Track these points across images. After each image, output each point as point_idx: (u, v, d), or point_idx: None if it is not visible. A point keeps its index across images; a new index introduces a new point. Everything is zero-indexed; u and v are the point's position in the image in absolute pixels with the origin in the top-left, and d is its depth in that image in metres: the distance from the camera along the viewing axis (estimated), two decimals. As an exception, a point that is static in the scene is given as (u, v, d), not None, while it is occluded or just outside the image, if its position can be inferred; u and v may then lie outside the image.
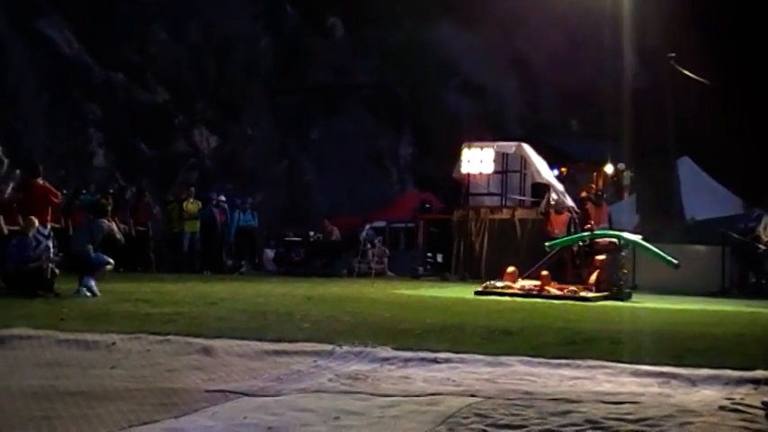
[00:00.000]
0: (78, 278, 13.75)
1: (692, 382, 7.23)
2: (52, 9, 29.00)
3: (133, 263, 21.87)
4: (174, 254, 24.21)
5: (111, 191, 23.82)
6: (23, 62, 27.08)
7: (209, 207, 24.07)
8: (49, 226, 14.47)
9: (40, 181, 15.17)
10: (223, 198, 24.90)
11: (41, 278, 13.35)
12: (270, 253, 26.13)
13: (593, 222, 18.94)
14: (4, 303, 11.82)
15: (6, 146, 16.83)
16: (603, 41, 23.66)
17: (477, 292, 16.33)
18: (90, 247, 14.00)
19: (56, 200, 15.43)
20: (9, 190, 14.78)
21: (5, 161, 14.32)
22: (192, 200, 24.02)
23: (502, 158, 23.49)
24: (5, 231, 14.83)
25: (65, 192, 21.33)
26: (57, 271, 13.64)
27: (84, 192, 22.26)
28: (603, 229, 18.41)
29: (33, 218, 14.10)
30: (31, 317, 10.05)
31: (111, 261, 14.42)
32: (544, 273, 16.77)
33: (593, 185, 26.66)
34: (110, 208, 18.75)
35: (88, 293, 13.36)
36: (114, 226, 15.04)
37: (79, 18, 29.45)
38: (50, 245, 13.90)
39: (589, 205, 21.14)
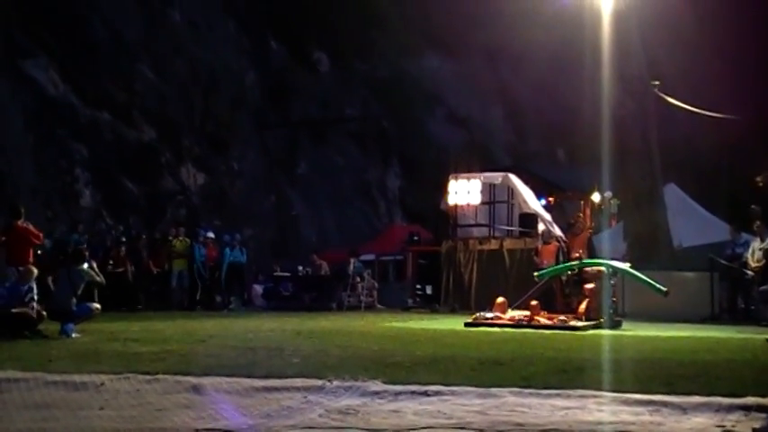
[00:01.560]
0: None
1: (684, 409, 7.21)
2: (37, 50, 29.05)
3: (157, 301, 23.07)
4: (163, 292, 24.17)
5: (126, 236, 24.23)
6: (9, 103, 27.09)
7: (195, 244, 24.06)
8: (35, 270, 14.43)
9: (22, 222, 15.15)
10: (212, 235, 24.87)
11: (27, 320, 13.27)
12: (259, 288, 26.08)
13: (582, 252, 18.91)
14: (-10, 346, 11.74)
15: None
16: (586, 70, 23.76)
17: (467, 324, 16.29)
18: (73, 300, 13.92)
19: (37, 241, 15.41)
20: None
21: None
22: (181, 238, 24.04)
23: (489, 189, 23.52)
24: None
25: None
26: (44, 313, 13.57)
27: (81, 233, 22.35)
28: (580, 257, 18.40)
29: (33, 268, 14.12)
30: (18, 359, 9.98)
31: (97, 307, 14.40)
32: (534, 303, 16.74)
33: (581, 214, 26.71)
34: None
35: (74, 335, 13.26)
36: (95, 267, 14.96)
37: (64, 58, 29.51)
38: (33, 286, 13.84)
39: (568, 235, 21.19)
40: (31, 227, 15.34)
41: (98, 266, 15.53)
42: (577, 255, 18.52)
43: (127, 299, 22.12)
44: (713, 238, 22.03)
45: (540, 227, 22.40)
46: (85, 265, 14.43)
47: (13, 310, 13.29)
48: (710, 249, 20.73)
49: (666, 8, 27.01)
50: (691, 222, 23.87)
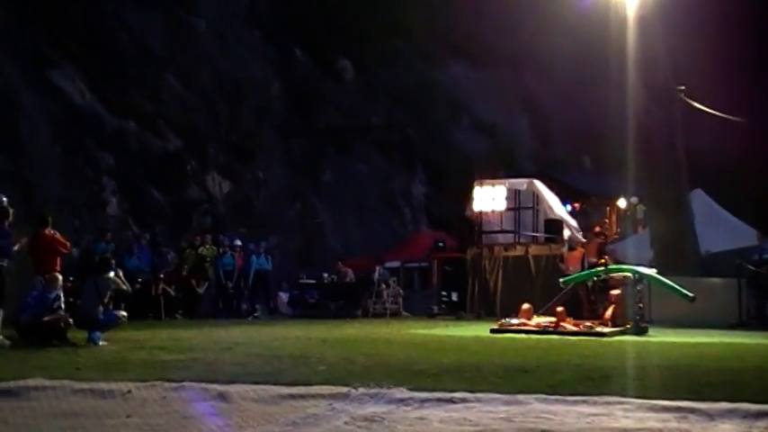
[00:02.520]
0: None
1: (711, 416, 7.16)
2: (64, 60, 29.25)
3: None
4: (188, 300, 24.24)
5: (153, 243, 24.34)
6: (36, 113, 27.27)
7: (221, 252, 24.13)
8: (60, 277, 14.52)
9: (49, 231, 15.26)
10: (239, 243, 24.92)
11: (56, 329, 13.35)
12: (284, 296, 26.13)
13: (606, 258, 18.85)
14: (19, 354, 11.83)
15: (20, 196, 16.87)
16: (612, 77, 23.67)
17: (492, 330, 16.27)
18: (100, 308, 13.98)
19: (64, 250, 15.50)
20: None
21: (11, 211, 14.36)
22: (207, 246, 24.11)
23: (514, 195, 23.51)
24: None
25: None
26: (70, 321, 13.65)
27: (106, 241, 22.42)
28: (606, 264, 18.35)
29: (58, 275, 14.20)
30: (46, 367, 10.05)
31: (124, 315, 14.48)
32: (559, 309, 16.71)
33: (607, 221, 26.64)
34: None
35: (101, 343, 13.34)
36: (121, 275, 15.03)
37: (91, 68, 29.68)
38: (61, 295, 13.93)
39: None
40: (58, 235, 15.44)
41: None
42: (603, 261, 18.47)
43: (153, 309, 22.09)
44: (740, 244, 21.87)
45: (566, 233, 22.37)
46: (112, 274, 14.51)
47: (45, 319, 13.38)
48: (738, 255, 20.57)
49: (691, 14, 26.90)
50: (718, 228, 23.69)
